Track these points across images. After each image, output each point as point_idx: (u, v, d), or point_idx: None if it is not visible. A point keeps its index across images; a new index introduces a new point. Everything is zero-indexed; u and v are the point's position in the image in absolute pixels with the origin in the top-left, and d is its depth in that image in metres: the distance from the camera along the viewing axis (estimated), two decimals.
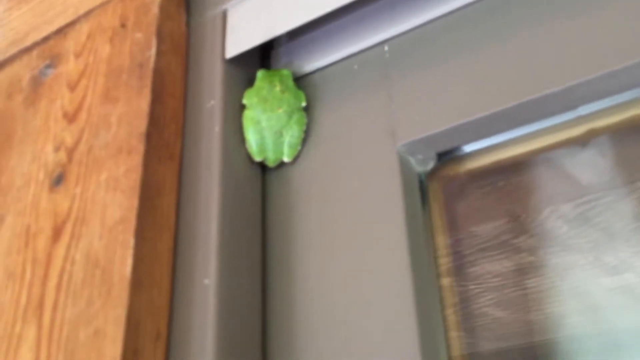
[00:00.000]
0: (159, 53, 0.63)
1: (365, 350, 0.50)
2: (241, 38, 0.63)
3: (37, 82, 0.74)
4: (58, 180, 0.63)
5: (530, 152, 0.57)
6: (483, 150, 0.58)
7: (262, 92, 0.62)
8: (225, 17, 0.66)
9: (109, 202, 0.57)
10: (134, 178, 0.57)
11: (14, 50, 0.79)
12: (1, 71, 0.80)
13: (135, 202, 0.55)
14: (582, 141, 0.54)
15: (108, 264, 0.54)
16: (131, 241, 0.53)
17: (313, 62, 0.65)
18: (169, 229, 0.57)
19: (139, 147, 0.58)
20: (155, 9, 0.65)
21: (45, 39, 0.76)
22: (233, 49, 0.63)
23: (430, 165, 0.57)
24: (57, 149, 0.65)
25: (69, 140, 0.65)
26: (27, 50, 0.78)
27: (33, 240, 0.61)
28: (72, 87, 0.69)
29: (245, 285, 0.56)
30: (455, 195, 0.59)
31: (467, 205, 0.59)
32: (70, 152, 0.64)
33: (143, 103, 0.60)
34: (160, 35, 0.64)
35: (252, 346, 0.54)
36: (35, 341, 0.55)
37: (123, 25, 0.68)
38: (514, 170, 0.58)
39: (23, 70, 0.77)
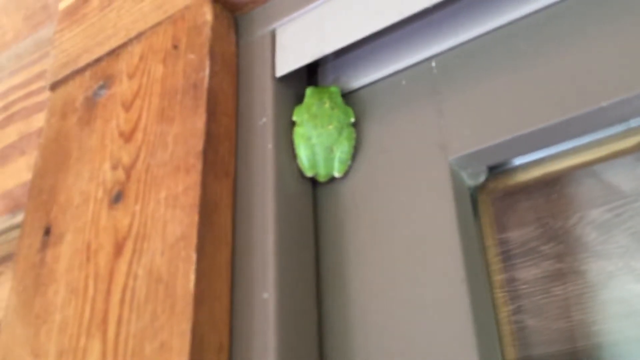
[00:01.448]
0: (212, 73, 0.65)
1: None
2: (290, 57, 0.65)
3: (91, 103, 0.76)
4: (117, 197, 0.65)
5: (581, 164, 0.57)
6: (533, 163, 0.59)
7: (312, 109, 0.64)
8: (274, 36, 0.68)
9: (169, 219, 0.59)
10: (193, 195, 0.58)
11: (66, 71, 0.82)
12: (55, 92, 0.83)
13: (195, 219, 0.57)
14: (634, 153, 0.55)
15: (171, 279, 0.56)
16: (193, 256, 0.55)
17: (360, 78, 0.67)
18: (226, 244, 0.59)
19: (197, 165, 0.60)
20: (207, 31, 0.68)
21: (98, 60, 0.79)
22: (283, 67, 0.65)
23: (482, 178, 0.58)
24: (114, 167, 0.67)
25: (126, 159, 0.67)
26: (80, 71, 0.81)
27: (94, 257, 0.63)
28: (127, 107, 0.71)
29: (302, 298, 0.57)
30: (505, 207, 0.60)
31: (517, 217, 0.59)
32: (128, 170, 0.66)
33: (198, 122, 0.62)
34: (212, 55, 0.66)
35: (310, 356, 0.56)
36: (100, 354, 0.57)
37: (175, 47, 0.70)
38: (564, 182, 0.59)
39: (76, 91, 0.79)
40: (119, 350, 0.56)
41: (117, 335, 0.57)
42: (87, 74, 0.80)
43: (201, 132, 0.61)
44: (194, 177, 0.59)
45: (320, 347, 0.57)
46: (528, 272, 0.59)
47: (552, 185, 0.59)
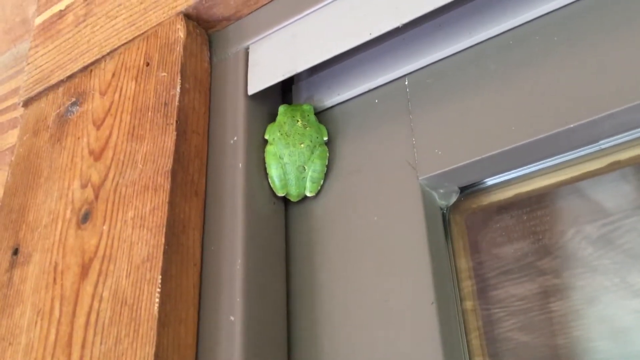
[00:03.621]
0: (183, 91, 0.64)
1: None
2: (263, 74, 0.64)
3: (62, 120, 0.75)
4: (85, 217, 0.64)
5: (553, 184, 0.57)
6: (505, 183, 0.58)
7: (284, 127, 0.63)
8: (247, 54, 0.67)
9: (136, 239, 0.58)
10: (160, 215, 0.57)
11: (39, 88, 0.81)
12: (28, 108, 0.82)
13: (161, 240, 0.56)
14: (605, 174, 0.54)
15: (135, 301, 0.54)
16: (158, 279, 0.54)
17: (334, 96, 0.66)
18: (194, 265, 0.58)
19: (165, 185, 0.59)
20: (179, 48, 0.67)
21: (71, 77, 0.78)
22: (255, 85, 0.64)
23: (453, 199, 0.57)
24: (83, 186, 0.66)
25: (95, 178, 0.66)
26: (53, 88, 0.80)
27: (61, 278, 0.62)
28: (98, 125, 0.70)
29: (271, 320, 0.56)
30: (477, 227, 0.59)
31: (489, 237, 0.59)
32: (97, 190, 0.65)
33: (168, 141, 0.61)
34: (184, 73, 0.65)
35: None
36: None
37: (148, 64, 0.69)
38: (535, 203, 0.58)
39: (49, 107, 0.78)
40: None
41: (81, 358, 0.55)
42: (60, 90, 0.79)
43: (170, 151, 0.60)
44: (162, 197, 0.58)
45: None
46: (504, 292, 0.58)
47: (525, 205, 0.58)
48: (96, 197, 0.64)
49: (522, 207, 0.58)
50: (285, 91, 0.71)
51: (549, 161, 0.56)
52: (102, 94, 0.72)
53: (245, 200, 0.59)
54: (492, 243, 0.58)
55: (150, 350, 0.51)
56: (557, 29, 0.54)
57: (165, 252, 0.55)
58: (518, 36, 0.56)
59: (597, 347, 0.53)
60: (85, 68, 0.77)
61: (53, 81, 0.80)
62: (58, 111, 0.77)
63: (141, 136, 0.64)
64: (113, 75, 0.73)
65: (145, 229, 0.58)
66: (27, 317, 0.63)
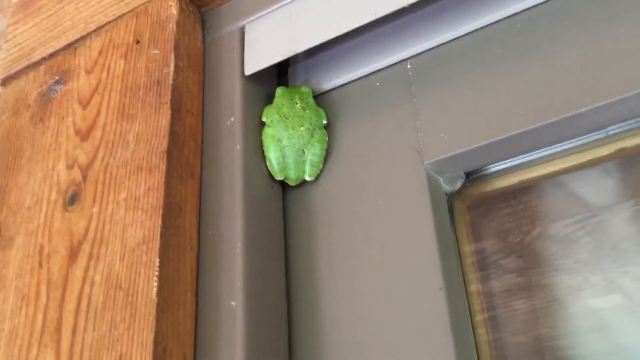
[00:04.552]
0: (176, 70, 0.62)
1: None
2: (261, 55, 0.62)
3: (45, 99, 0.72)
4: (72, 199, 0.61)
5: (557, 171, 0.56)
6: (509, 170, 0.57)
7: (282, 109, 0.61)
8: (243, 33, 0.65)
9: (130, 222, 0.56)
10: (156, 197, 0.55)
11: (19, 66, 0.77)
12: (6, 87, 0.78)
13: (158, 222, 0.54)
14: (612, 160, 0.54)
15: (131, 285, 0.52)
16: (156, 262, 0.52)
17: (333, 79, 0.65)
18: (191, 249, 0.56)
19: (161, 165, 0.57)
20: (172, 25, 0.64)
21: (53, 54, 0.75)
22: (252, 65, 0.62)
23: (459, 184, 0.56)
24: (70, 167, 0.64)
25: (82, 158, 0.63)
26: (34, 66, 0.76)
27: (47, 262, 0.59)
28: (84, 104, 0.67)
29: (271, 305, 0.55)
30: (480, 214, 0.58)
31: (491, 225, 0.58)
32: (85, 171, 0.62)
33: (162, 120, 0.59)
34: (177, 51, 0.63)
35: None
36: None
37: (138, 42, 0.67)
38: (536, 191, 0.58)
39: (30, 86, 0.75)
40: None
41: (72, 345, 0.53)
42: (42, 68, 0.75)
43: (165, 131, 0.58)
44: (157, 178, 0.56)
45: (290, 355, 0.54)
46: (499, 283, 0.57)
47: (526, 193, 0.57)
48: (84, 178, 0.62)
49: (526, 194, 0.57)
50: (280, 74, 0.69)
51: (555, 147, 0.55)
52: (88, 72, 0.69)
53: (243, 183, 0.57)
54: (494, 230, 0.57)
55: (148, 335, 0.49)
56: (565, 13, 0.54)
57: (162, 235, 0.53)
58: (525, 20, 0.56)
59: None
60: (69, 45, 0.74)
61: (34, 59, 0.76)
62: (40, 90, 0.73)
63: (132, 115, 0.62)
64: (100, 53, 0.70)
65: (139, 211, 0.55)
66: (11, 302, 0.60)
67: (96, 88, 0.67)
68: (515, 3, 0.56)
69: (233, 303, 0.52)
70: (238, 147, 0.58)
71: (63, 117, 0.68)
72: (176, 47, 0.63)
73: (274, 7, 0.64)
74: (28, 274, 0.60)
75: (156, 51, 0.64)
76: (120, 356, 0.50)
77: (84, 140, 0.64)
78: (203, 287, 0.54)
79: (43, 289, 0.58)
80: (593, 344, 0.53)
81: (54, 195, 0.63)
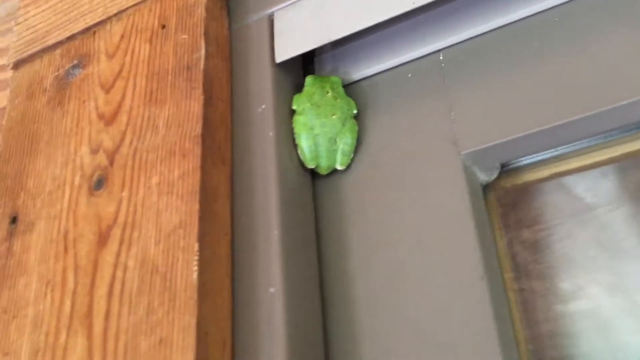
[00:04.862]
0: (207, 55, 0.61)
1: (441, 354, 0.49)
2: (291, 42, 0.62)
3: (63, 83, 0.71)
4: (99, 183, 0.60)
5: (589, 165, 0.57)
6: (542, 162, 0.58)
7: (314, 98, 0.61)
8: (272, 21, 0.65)
9: (164, 206, 0.55)
10: (192, 182, 0.54)
11: (32, 49, 0.76)
12: (18, 71, 0.76)
13: (195, 207, 0.53)
14: None
15: (169, 270, 0.51)
16: (195, 246, 0.51)
17: (362, 69, 0.65)
18: (225, 235, 0.55)
19: (195, 150, 0.56)
20: (201, 10, 0.64)
21: (70, 38, 0.73)
22: (284, 53, 0.62)
23: (494, 175, 0.57)
24: (94, 152, 0.62)
25: (108, 143, 0.62)
26: (49, 49, 0.75)
27: (73, 247, 0.58)
28: (107, 88, 0.66)
29: (307, 294, 0.54)
30: (510, 207, 0.59)
31: (518, 216, 0.58)
32: (112, 155, 0.61)
33: (195, 105, 0.58)
34: (207, 37, 0.62)
35: (317, 354, 0.53)
36: (86, 352, 0.52)
37: (163, 27, 0.66)
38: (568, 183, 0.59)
39: (45, 70, 0.74)
40: (108, 347, 0.51)
41: (105, 330, 0.52)
42: (58, 52, 0.74)
43: (198, 116, 0.58)
44: (192, 163, 0.55)
45: (326, 347, 0.54)
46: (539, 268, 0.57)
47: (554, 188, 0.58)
48: (111, 162, 0.61)
49: (557, 186, 0.58)
50: (306, 63, 0.69)
51: (589, 141, 0.56)
52: (110, 56, 0.68)
53: (278, 171, 0.56)
54: (524, 221, 0.58)
55: (190, 320, 0.48)
56: (604, 7, 0.54)
57: (200, 219, 0.52)
58: (563, 13, 0.56)
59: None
60: (87, 30, 0.72)
61: (49, 42, 0.75)
62: (57, 74, 0.72)
63: (161, 100, 0.61)
64: (122, 37, 0.69)
65: (174, 196, 0.55)
66: (34, 288, 0.58)
67: (120, 72, 0.66)
68: None
69: (272, 290, 0.51)
70: (271, 134, 0.58)
71: (84, 101, 0.67)
72: (206, 33, 0.63)
73: None
74: (52, 259, 0.59)
75: (185, 36, 0.63)
76: (161, 340, 0.49)
77: (108, 125, 0.63)
78: (238, 273, 0.53)
79: (70, 274, 0.57)
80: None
81: (77, 179, 0.62)
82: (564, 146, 0.57)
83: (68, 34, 0.73)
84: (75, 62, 0.71)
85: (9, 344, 0.57)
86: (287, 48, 0.62)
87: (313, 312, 0.54)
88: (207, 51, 0.61)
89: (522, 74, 0.56)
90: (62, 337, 0.54)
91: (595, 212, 0.57)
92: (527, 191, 0.59)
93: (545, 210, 0.58)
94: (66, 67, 0.71)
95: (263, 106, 0.60)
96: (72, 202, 0.61)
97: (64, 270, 0.57)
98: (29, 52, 0.76)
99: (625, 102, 0.51)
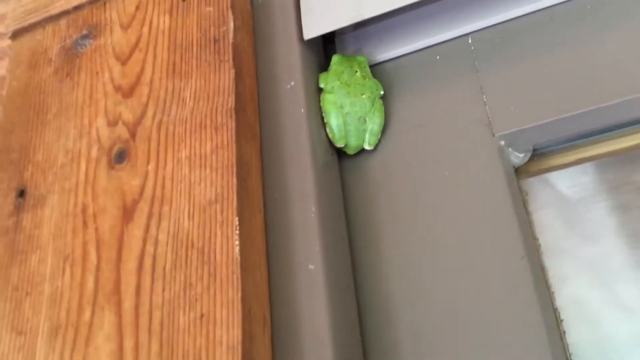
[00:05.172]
0: (235, 28, 0.60)
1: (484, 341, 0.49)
2: (322, 19, 0.61)
3: (71, 53, 0.68)
4: (120, 156, 0.58)
5: (613, 151, 0.58)
6: (569, 147, 0.59)
7: (343, 77, 0.60)
8: None
9: (196, 180, 0.53)
10: (227, 155, 0.53)
11: (34, 18, 0.72)
12: (18, 40, 0.73)
13: (232, 180, 0.51)
14: None
15: (206, 244, 0.50)
16: (235, 220, 0.50)
17: (387, 51, 0.64)
18: (259, 211, 0.54)
19: (229, 123, 0.54)
20: None
21: (78, 8, 0.70)
22: (313, 30, 0.61)
23: (527, 158, 0.57)
24: (112, 124, 0.60)
25: (127, 115, 0.60)
26: (52, 19, 0.71)
27: (94, 221, 0.55)
28: (124, 60, 0.63)
29: (344, 271, 0.54)
30: (537, 190, 0.59)
31: (546, 200, 0.59)
32: (133, 128, 0.59)
33: (225, 79, 0.57)
34: (234, 10, 0.61)
35: (355, 333, 0.52)
36: (115, 329, 0.49)
37: None
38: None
39: (49, 40, 0.70)
40: (141, 323, 0.49)
41: (137, 306, 0.50)
42: (63, 22, 0.71)
43: (230, 89, 0.56)
44: (226, 136, 0.54)
45: (361, 327, 0.53)
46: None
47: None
48: (132, 135, 0.58)
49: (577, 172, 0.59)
50: (325, 43, 0.68)
51: (617, 128, 0.57)
52: (125, 27, 0.66)
53: (311, 148, 0.55)
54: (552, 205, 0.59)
55: (234, 295, 0.47)
56: None
57: (238, 194, 0.51)
58: (588, 2, 0.57)
59: None
60: (96, 0, 0.69)
61: (53, 12, 0.71)
62: (63, 44, 0.69)
63: (187, 73, 0.59)
64: (137, 8, 0.66)
65: (207, 169, 0.53)
66: (50, 264, 0.56)
67: (137, 44, 0.64)
68: None
69: (311, 267, 0.50)
70: (302, 110, 0.57)
71: (97, 73, 0.64)
72: (232, 6, 0.61)
73: None
74: (70, 234, 0.56)
75: (210, 8, 0.62)
76: (202, 316, 0.47)
77: (127, 97, 0.61)
78: (274, 249, 0.52)
79: (91, 249, 0.54)
80: None
81: (94, 152, 0.59)
82: (597, 132, 0.57)
83: (75, 3, 0.70)
84: (84, 32, 0.68)
85: (22, 322, 0.54)
86: (316, 25, 0.61)
87: (349, 290, 0.53)
88: (235, 24, 0.60)
89: (552, 60, 0.57)
90: (87, 314, 0.51)
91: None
92: (553, 174, 0.60)
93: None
94: (74, 38, 0.68)
95: (292, 83, 0.59)
96: (90, 175, 0.58)
97: (85, 245, 0.55)
98: (30, 21, 0.72)
99: None
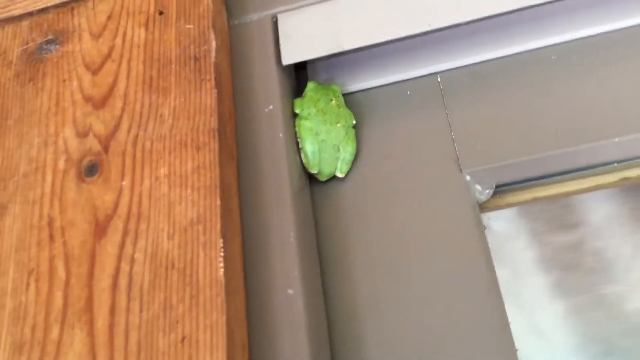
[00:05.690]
0: (217, 49, 0.60)
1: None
2: (301, 47, 0.62)
3: (34, 58, 0.65)
4: (91, 169, 0.56)
5: (566, 192, 0.62)
6: (525, 186, 0.63)
7: (319, 104, 0.62)
8: (276, 22, 0.64)
9: (176, 199, 0.53)
10: (209, 176, 0.53)
11: None
12: None
13: (216, 202, 0.51)
14: (614, 188, 0.61)
15: (188, 266, 0.49)
16: (219, 242, 0.50)
17: (358, 82, 0.66)
18: (238, 234, 0.54)
19: (211, 144, 0.54)
20: (207, 2, 0.62)
21: (42, 11, 0.68)
22: (291, 56, 0.62)
23: (489, 195, 0.60)
24: (82, 135, 0.58)
25: (99, 128, 0.58)
26: (13, 20, 0.69)
27: (61, 235, 0.54)
28: (94, 70, 0.62)
29: (317, 294, 0.55)
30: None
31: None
32: (106, 141, 0.57)
33: (207, 98, 0.57)
34: (215, 30, 0.61)
35: (327, 355, 0.53)
36: (87, 348, 0.48)
37: (161, 13, 0.63)
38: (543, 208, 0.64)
39: (9, 42, 0.68)
40: (116, 344, 0.48)
41: (112, 326, 0.48)
42: (25, 24, 0.68)
43: (213, 109, 0.56)
44: (209, 156, 0.54)
45: (332, 349, 0.54)
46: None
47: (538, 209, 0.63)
48: (105, 149, 0.57)
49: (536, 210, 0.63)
50: (296, 69, 0.69)
51: (573, 170, 0.61)
52: (95, 36, 0.64)
53: (288, 172, 0.56)
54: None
55: (219, 317, 0.47)
56: (599, 47, 0.60)
57: (222, 215, 0.51)
58: (561, 52, 0.62)
59: None
60: (64, 4, 0.68)
61: (14, 13, 0.69)
62: (25, 47, 0.66)
63: (165, 89, 0.59)
64: (109, 17, 0.65)
65: (189, 189, 0.53)
66: (11, 277, 0.53)
67: (109, 54, 0.63)
68: (551, 35, 0.61)
69: (290, 291, 0.51)
70: (281, 135, 0.58)
71: (64, 80, 0.62)
72: (214, 25, 0.61)
73: (310, 1, 0.64)
74: (34, 248, 0.54)
75: (190, 26, 0.61)
76: (184, 338, 0.47)
77: (98, 109, 0.60)
78: (252, 273, 0.52)
79: (59, 264, 0.52)
80: None
81: (62, 163, 0.57)
82: (555, 174, 0.61)
83: (40, 5, 0.68)
84: (50, 37, 0.66)
85: None
86: (295, 52, 0.62)
87: (322, 315, 0.54)
88: (216, 44, 0.60)
89: (517, 103, 0.61)
90: (55, 331, 0.50)
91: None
92: (509, 212, 0.63)
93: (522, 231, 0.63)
94: (38, 42, 0.66)
95: (270, 106, 0.60)
96: (57, 187, 0.56)
97: (52, 260, 0.53)
98: None
99: (626, 138, 0.57)
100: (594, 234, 0.97)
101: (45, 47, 0.66)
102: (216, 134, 0.55)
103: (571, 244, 0.97)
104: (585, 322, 1.06)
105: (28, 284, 0.52)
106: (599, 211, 0.95)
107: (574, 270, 1.00)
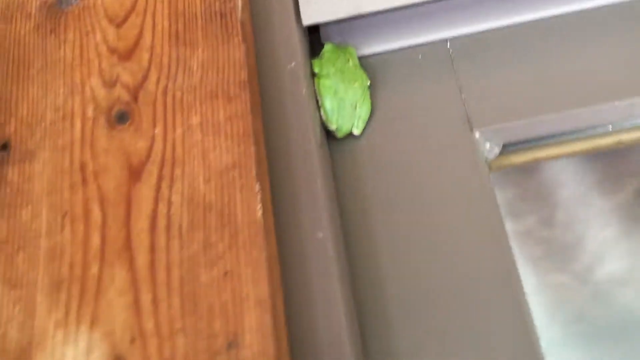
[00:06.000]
0: (243, 5, 0.62)
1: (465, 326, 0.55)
2: (321, 8, 0.65)
3: (55, 10, 0.66)
4: (121, 118, 0.58)
5: (564, 153, 0.67)
6: (528, 146, 0.67)
7: (337, 64, 0.64)
8: None
9: (210, 146, 0.55)
10: (242, 125, 0.55)
11: None
12: None
13: (251, 149, 0.54)
14: (610, 150, 0.66)
15: (225, 208, 0.52)
16: (255, 186, 0.52)
17: (371, 46, 0.69)
18: (267, 181, 0.57)
19: (242, 95, 0.57)
20: None
21: None
22: (310, 17, 0.65)
23: (497, 153, 0.64)
24: (109, 85, 0.60)
25: (127, 78, 0.60)
26: None
27: (94, 179, 0.55)
28: (118, 23, 0.63)
29: (341, 240, 0.58)
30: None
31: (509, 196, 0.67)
32: (135, 91, 0.59)
33: (236, 52, 0.59)
34: None
35: (349, 293, 0.56)
36: (129, 284, 0.50)
37: None
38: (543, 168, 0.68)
39: None
40: (157, 279, 0.50)
41: (152, 262, 0.51)
42: None
43: (242, 63, 0.58)
44: (240, 107, 0.56)
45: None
46: None
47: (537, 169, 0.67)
48: (134, 98, 0.59)
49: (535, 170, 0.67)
50: (310, 31, 0.72)
51: (574, 132, 0.66)
52: None
53: (313, 126, 0.59)
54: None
55: (259, 254, 0.49)
56: (602, 18, 0.65)
57: (257, 162, 0.53)
58: (564, 22, 0.66)
59: None
60: None
61: None
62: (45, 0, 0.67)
63: (192, 43, 0.60)
64: None
65: (222, 136, 0.55)
66: (45, 219, 0.55)
67: (132, 8, 0.64)
68: (555, 7, 0.66)
69: (320, 234, 0.54)
70: (304, 91, 0.60)
71: (87, 33, 0.64)
72: None
73: None
74: (67, 191, 0.55)
75: None
76: (226, 273, 0.49)
77: (124, 60, 0.61)
78: (281, 218, 0.55)
79: (94, 206, 0.54)
80: None
81: (90, 111, 0.59)
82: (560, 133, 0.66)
83: None
84: None
85: (16, 276, 0.53)
86: (315, 13, 0.65)
87: (345, 261, 0.58)
88: (242, 1, 0.62)
89: (523, 68, 0.65)
90: (94, 268, 0.51)
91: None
92: (513, 171, 0.68)
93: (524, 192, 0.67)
94: None
95: (293, 64, 0.62)
96: (87, 134, 0.58)
97: (86, 202, 0.54)
98: None
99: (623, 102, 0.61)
100: (564, 205, 1.03)
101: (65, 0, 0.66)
102: (247, 85, 0.57)
103: (543, 217, 1.03)
104: (557, 290, 1.12)
105: (63, 225, 0.54)
106: (569, 184, 1.01)
107: (546, 242, 1.06)
